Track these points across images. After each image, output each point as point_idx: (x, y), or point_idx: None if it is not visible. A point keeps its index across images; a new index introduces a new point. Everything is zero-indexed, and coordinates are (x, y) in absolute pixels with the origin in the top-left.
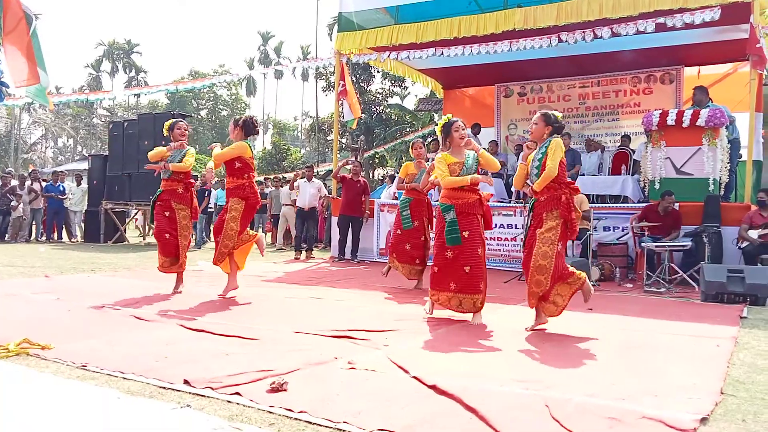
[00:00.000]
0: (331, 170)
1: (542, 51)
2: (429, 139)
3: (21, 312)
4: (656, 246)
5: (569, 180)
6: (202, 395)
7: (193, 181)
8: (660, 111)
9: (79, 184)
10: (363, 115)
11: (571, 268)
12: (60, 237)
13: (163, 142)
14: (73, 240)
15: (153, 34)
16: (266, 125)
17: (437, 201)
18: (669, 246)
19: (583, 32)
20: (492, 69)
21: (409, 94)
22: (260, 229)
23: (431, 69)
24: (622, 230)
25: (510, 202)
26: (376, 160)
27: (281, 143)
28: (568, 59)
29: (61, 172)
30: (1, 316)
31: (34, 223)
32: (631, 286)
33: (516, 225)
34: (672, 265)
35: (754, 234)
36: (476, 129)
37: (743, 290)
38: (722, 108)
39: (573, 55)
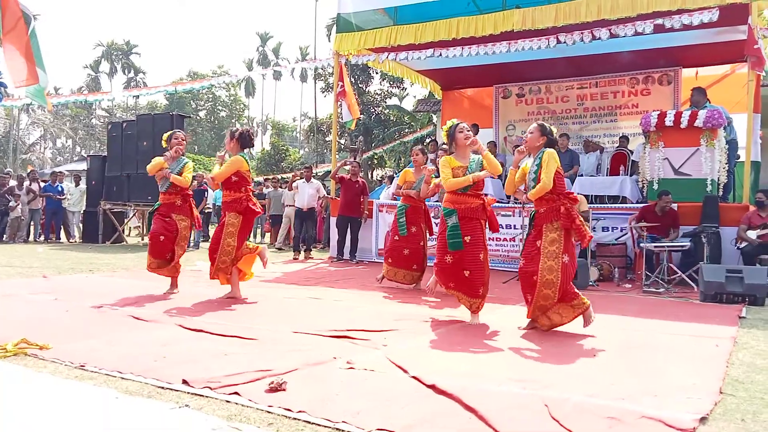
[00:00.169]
0: (330, 171)
1: (541, 52)
2: (427, 140)
3: (19, 312)
4: (655, 246)
5: (568, 191)
6: (201, 395)
7: (190, 193)
8: (658, 112)
9: (77, 184)
10: (361, 115)
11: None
12: (58, 237)
13: (163, 144)
14: (71, 240)
15: (152, 35)
16: (265, 126)
17: (437, 202)
18: (668, 246)
19: (582, 33)
20: (490, 70)
21: (407, 95)
22: (260, 229)
23: (430, 70)
24: (621, 231)
25: (508, 203)
26: (375, 161)
27: (280, 144)
28: (566, 60)
29: (59, 172)
30: None
31: (32, 223)
32: (630, 286)
33: (514, 225)
34: (671, 265)
35: (752, 234)
36: (474, 130)
37: (742, 290)
38: (720, 109)
39: (571, 56)
